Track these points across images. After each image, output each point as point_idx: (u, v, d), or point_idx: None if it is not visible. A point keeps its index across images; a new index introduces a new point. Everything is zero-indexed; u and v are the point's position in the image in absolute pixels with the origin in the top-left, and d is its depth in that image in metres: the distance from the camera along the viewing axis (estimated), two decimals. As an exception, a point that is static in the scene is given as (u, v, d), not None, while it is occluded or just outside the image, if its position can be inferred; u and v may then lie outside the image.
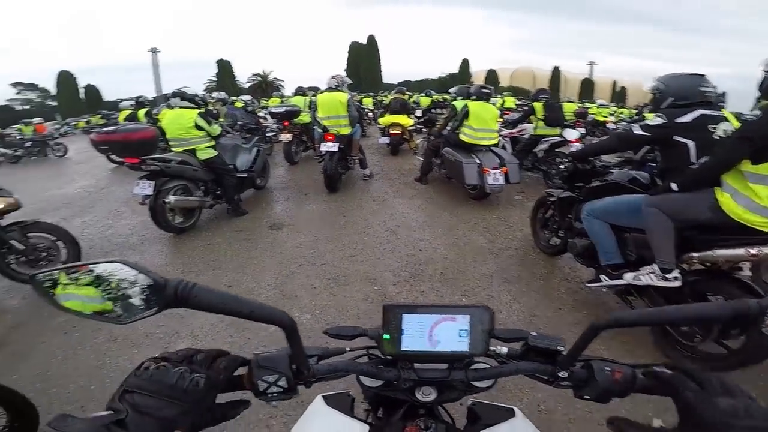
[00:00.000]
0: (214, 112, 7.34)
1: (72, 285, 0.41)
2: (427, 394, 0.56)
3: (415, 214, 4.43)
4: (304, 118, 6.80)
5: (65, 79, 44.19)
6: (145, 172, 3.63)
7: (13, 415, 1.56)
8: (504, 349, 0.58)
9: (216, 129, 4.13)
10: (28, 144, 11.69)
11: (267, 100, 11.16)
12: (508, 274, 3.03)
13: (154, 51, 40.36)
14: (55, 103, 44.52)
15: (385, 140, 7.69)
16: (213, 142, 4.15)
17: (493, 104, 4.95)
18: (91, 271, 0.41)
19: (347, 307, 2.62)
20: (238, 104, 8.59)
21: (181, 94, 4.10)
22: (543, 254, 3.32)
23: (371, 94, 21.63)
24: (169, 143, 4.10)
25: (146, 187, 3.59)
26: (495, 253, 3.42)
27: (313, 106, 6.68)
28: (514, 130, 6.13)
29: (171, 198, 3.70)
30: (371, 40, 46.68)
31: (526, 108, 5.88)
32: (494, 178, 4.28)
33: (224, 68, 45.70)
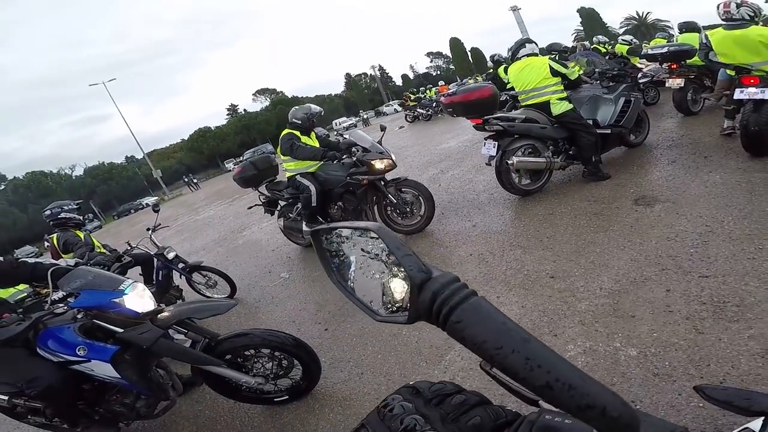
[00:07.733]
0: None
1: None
2: None
3: None
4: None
5: (455, 44, 54.43)
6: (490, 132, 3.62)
7: (305, 370, 1.89)
8: None
9: (574, 72, 3.71)
10: (434, 104, 15.72)
11: (648, 44, 8.49)
12: None
13: (514, 9, 40.90)
14: (453, 67, 57.09)
15: None
16: (565, 94, 3.69)
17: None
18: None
19: (721, 358, 1.48)
20: (621, 47, 7.60)
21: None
22: None
23: None
24: (519, 98, 3.93)
25: (491, 148, 3.64)
26: None
27: (705, 42, 4.27)
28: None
29: (514, 159, 3.57)
30: None
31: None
32: None
33: (589, 16, 41.38)
